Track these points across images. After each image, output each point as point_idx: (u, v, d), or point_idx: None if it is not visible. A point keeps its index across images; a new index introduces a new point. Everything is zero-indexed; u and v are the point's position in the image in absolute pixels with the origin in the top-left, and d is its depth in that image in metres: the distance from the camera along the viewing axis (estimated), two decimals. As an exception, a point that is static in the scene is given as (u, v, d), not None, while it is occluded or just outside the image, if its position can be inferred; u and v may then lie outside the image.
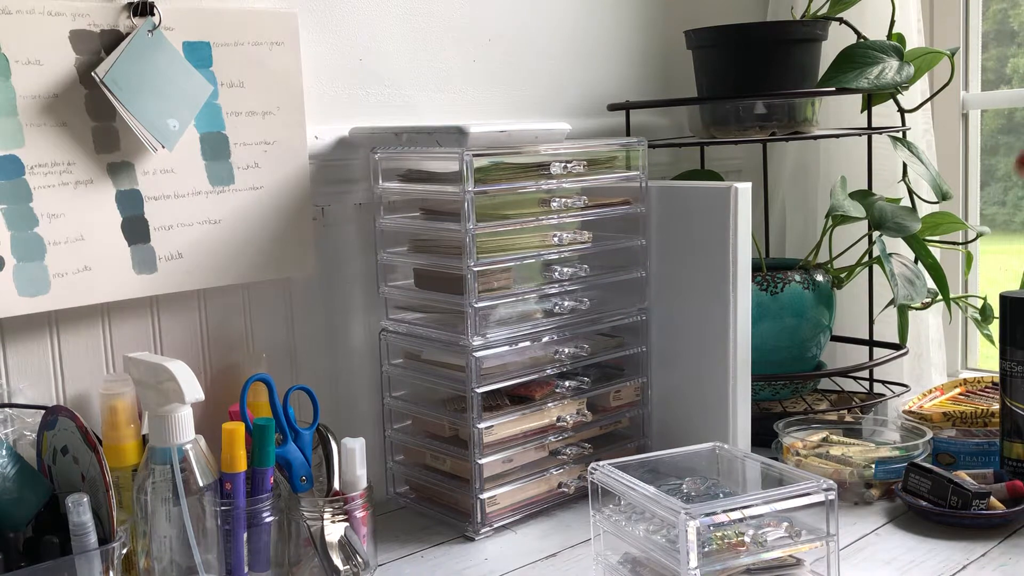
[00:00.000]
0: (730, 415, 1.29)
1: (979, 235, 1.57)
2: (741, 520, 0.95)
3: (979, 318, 1.55)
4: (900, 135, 1.51)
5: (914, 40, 1.63)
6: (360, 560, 1.06)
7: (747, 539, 0.95)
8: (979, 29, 1.81)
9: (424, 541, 1.19)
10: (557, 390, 1.27)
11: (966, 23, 1.81)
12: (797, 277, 1.46)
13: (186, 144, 1.11)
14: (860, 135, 1.52)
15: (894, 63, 1.46)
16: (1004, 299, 1.27)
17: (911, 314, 1.57)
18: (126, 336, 1.13)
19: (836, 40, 1.53)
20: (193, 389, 0.94)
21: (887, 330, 1.60)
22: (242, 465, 1.02)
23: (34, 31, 1.01)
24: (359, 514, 1.07)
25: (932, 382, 1.66)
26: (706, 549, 0.93)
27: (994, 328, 1.41)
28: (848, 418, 1.44)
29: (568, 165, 1.24)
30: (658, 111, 1.67)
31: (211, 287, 1.16)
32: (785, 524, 0.97)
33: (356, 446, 1.07)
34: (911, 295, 1.43)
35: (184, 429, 0.95)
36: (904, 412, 1.45)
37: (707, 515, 0.92)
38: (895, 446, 1.34)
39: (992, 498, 1.16)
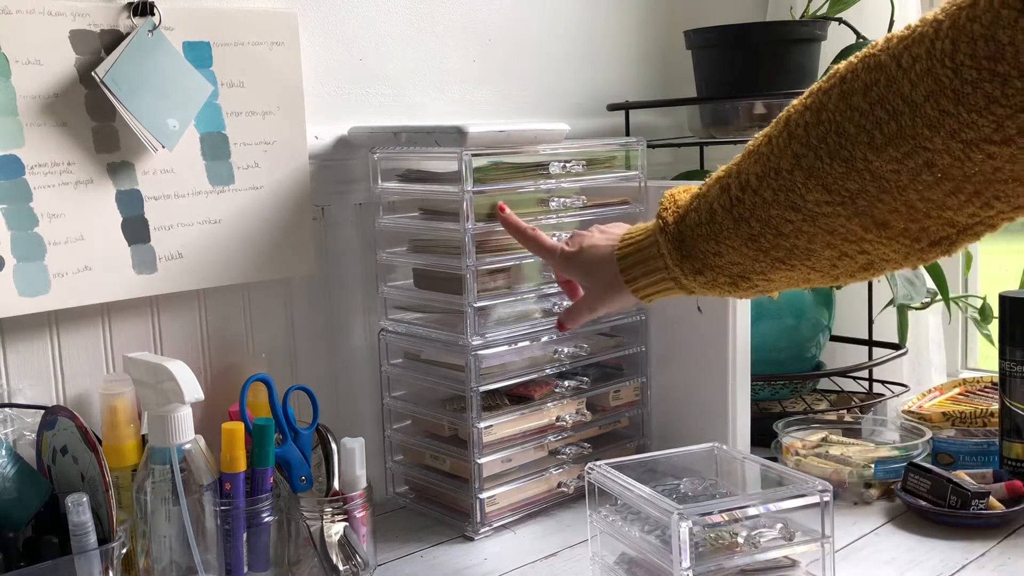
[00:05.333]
0: (729, 415, 1.29)
1: (979, 235, 1.57)
2: (736, 521, 0.95)
3: (978, 318, 1.55)
4: (900, 135, 1.51)
5: (914, 40, 1.63)
6: (360, 560, 1.06)
7: (741, 540, 0.95)
8: (979, 29, 1.81)
9: (424, 541, 1.19)
10: (556, 390, 1.27)
11: (966, 23, 1.81)
12: (797, 277, 1.46)
13: (186, 144, 1.11)
14: (860, 135, 1.52)
15: (894, 63, 1.46)
16: (1003, 299, 1.27)
17: (911, 314, 1.57)
18: (126, 336, 1.13)
19: (836, 40, 1.53)
20: (193, 389, 0.94)
21: (887, 330, 1.60)
22: (242, 465, 1.02)
23: (34, 31, 1.01)
24: (359, 514, 1.08)
25: (932, 382, 1.66)
26: (700, 550, 0.93)
27: (993, 328, 1.41)
28: (848, 418, 1.44)
29: (567, 165, 1.24)
30: (658, 111, 1.67)
31: (211, 287, 1.16)
32: (779, 526, 0.97)
33: (356, 446, 1.08)
34: (911, 295, 1.44)
35: (184, 429, 0.95)
36: (903, 412, 1.45)
37: (700, 515, 0.92)
38: (894, 446, 1.34)
39: (991, 498, 1.16)
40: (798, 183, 0.76)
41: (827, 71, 0.76)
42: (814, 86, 0.76)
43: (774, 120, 0.80)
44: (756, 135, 0.83)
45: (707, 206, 0.86)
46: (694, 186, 0.91)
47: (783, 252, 0.81)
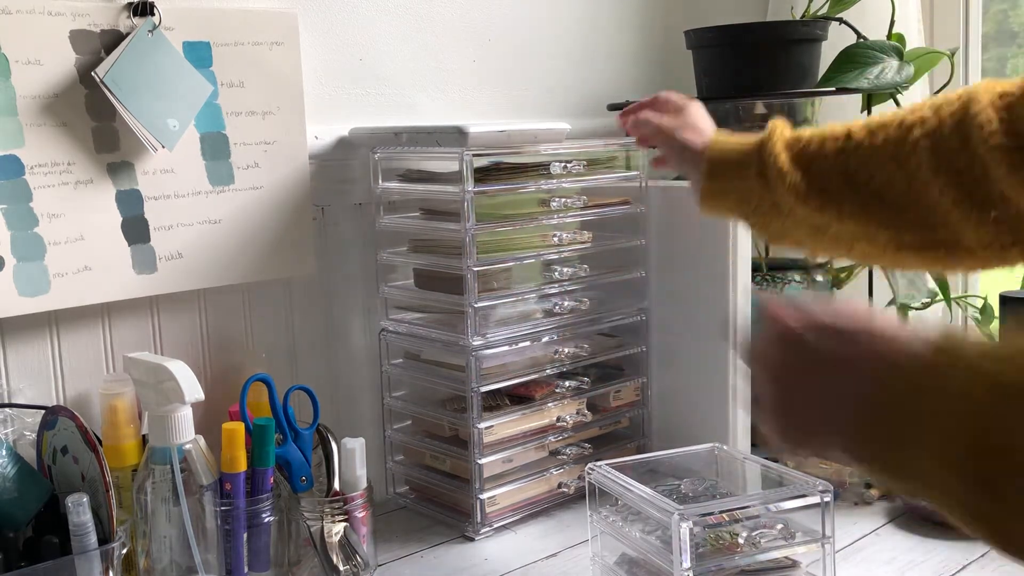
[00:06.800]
0: (730, 415, 1.29)
1: (979, 235, 1.57)
2: (736, 521, 0.95)
3: (979, 318, 1.55)
4: (900, 135, 1.51)
5: (914, 40, 1.63)
6: (360, 560, 1.06)
7: (741, 540, 0.95)
8: (979, 29, 1.81)
9: (424, 541, 1.19)
10: (557, 390, 1.27)
11: (966, 23, 1.81)
12: (797, 277, 1.46)
13: (186, 144, 1.11)
14: (860, 135, 1.52)
15: (894, 63, 1.46)
16: (1004, 299, 1.27)
17: (911, 314, 1.57)
18: (126, 336, 1.13)
19: (836, 40, 1.52)
20: (193, 389, 0.94)
21: (887, 330, 1.60)
22: (242, 465, 1.02)
23: (34, 31, 1.01)
24: (359, 514, 1.07)
25: (932, 382, 1.65)
26: (700, 550, 0.93)
27: (994, 328, 1.41)
28: (848, 418, 1.43)
29: (568, 165, 1.24)
30: (658, 111, 1.66)
31: (211, 287, 1.16)
32: (780, 526, 0.97)
33: (356, 446, 1.07)
34: (911, 295, 1.43)
35: (184, 429, 0.95)
36: (904, 412, 1.44)
37: (701, 516, 0.92)
38: (895, 446, 1.33)
39: (992, 498, 1.16)
40: None
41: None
42: None
43: None
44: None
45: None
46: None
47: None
